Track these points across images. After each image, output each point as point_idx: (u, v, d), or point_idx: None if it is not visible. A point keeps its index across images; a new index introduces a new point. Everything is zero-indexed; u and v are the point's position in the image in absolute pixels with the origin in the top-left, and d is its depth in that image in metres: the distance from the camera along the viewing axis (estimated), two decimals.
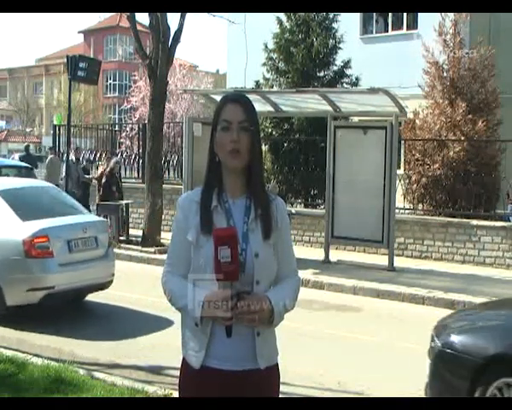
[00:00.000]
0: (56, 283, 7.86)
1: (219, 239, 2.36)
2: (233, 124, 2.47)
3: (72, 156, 15.86)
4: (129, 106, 30.82)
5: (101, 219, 9.86)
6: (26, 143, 20.79)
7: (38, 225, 7.87)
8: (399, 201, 13.48)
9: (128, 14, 13.82)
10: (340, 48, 16.72)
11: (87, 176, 16.31)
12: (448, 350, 4.85)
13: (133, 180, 18.20)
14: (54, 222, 8.16)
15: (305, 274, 10.54)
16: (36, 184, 9.94)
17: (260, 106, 12.33)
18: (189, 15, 14.00)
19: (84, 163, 17.72)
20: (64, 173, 15.05)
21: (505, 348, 4.69)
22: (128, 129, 24.30)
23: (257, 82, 17.00)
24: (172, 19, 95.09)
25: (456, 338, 4.91)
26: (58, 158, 17.51)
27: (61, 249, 7.94)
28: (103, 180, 14.48)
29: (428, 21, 16.25)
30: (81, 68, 13.98)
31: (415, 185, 14.28)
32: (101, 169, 15.40)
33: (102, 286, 8.66)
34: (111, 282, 8.73)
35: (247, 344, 2.46)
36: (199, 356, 2.47)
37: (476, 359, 4.69)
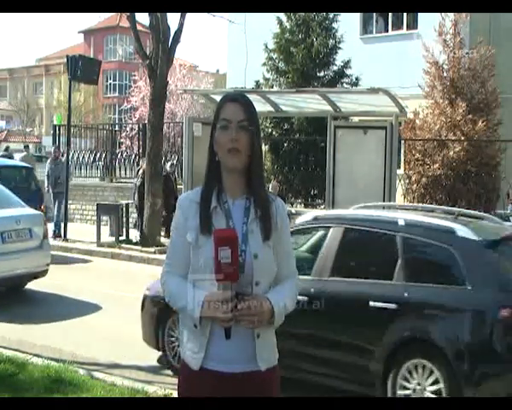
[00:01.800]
0: None
1: (220, 240, 2.36)
2: (232, 123, 2.47)
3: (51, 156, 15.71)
4: (129, 106, 30.81)
5: (37, 212, 10.12)
6: (6, 145, 20.86)
7: None
8: (399, 201, 13.48)
9: (128, 14, 13.83)
10: (340, 48, 16.74)
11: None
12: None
13: (133, 180, 18.19)
14: None
15: None
16: None
17: (260, 106, 12.33)
18: (189, 15, 14.01)
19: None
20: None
21: None
22: (128, 129, 24.29)
23: (257, 82, 17.01)
24: (172, 19, 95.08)
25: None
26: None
27: None
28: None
29: (428, 21, 16.24)
30: (81, 68, 13.99)
31: (415, 185, 14.28)
32: (141, 172, 14.36)
33: (37, 275, 9.29)
34: (46, 271, 9.35)
35: (247, 346, 2.46)
36: (198, 358, 2.47)
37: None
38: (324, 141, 12.95)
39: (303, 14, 16.60)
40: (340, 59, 16.81)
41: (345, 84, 16.73)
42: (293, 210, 13.77)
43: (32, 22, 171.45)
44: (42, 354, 6.55)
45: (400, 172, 14.09)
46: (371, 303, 5.37)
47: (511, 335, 4.97)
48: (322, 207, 14.17)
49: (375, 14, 21.74)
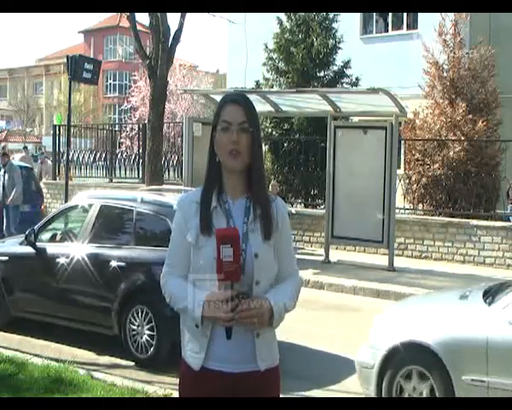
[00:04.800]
0: None
1: (222, 238, 2.36)
2: (233, 125, 2.47)
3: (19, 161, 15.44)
4: (129, 106, 30.83)
5: None
6: (3, 144, 20.86)
7: None
8: (399, 201, 13.48)
9: (128, 14, 13.83)
10: (340, 48, 16.71)
11: None
12: None
13: (133, 180, 18.20)
14: None
15: (305, 274, 10.54)
16: None
17: (260, 106, 12.33)
18: (189, 15, 14.01)
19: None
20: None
21: None
22: (128, 129, 24.30)
23: (257, 82, 17.00)
24: (172, 19, 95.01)
25: None
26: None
27: None
28: None
29: (428, 21, 16.24)
30: (81, 68, 13.97)
31: (415, 185, 14.27)
32: None
33: None
34: None
35: (247, 346, 2.46)
36: (198, 358, 2.47)
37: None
38: (324, 141, 12.95)
39: (303, 14, 16.58)
40: (340, 59, 16.79)
41: (345, 85, 16.71)
42: (293, 210, 13.77)
43: (32, 22, 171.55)
44: (42, 354, 6.56)
45: (400, 172, 14.08)
46: (111, 263, 6.85)
47: None
48: (323, 207, 14.18)
49: (375, 14, 21.74)
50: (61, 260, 7.23)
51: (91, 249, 7.11)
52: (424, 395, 4.99)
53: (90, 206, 7.45)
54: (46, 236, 7.82)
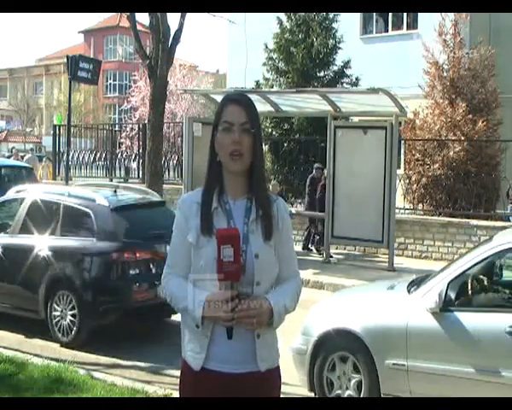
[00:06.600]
0: None
1: (222, 238, 2.36)
2: (235, 125, 2.46)
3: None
4: (129, 106, 30.79)
5: None
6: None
7: None
8: (399, 201, 13.48)
9: (128, 14, 13.82)
10: (340, 48, 16.73)
11: None
12: None
13: (133, 180, 18.19)
14: None
15: (305, 274, 10.53)
16: None
17: (260, 106, 12.32)
18: (189, 15, 13.99)
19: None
20: None
21: None
22: (128, 129, 24.28)
23: (257, 82, 17.01)
24: (172, 19, 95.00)
25: None
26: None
27: None
28: (319, 194, 12.78)
29: (428, 21, 16.24)
30: (81, 68, 14.00)
31: (415, 185, 14.27)
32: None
33: None
34: None
35: (247, 346, 2.46)
36: (199, 358, 2.46)
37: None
38: (324, 141, 12.95)
39: (303, 14, 16.59)
40: (340, 59, 16.81)
41: (345, 85, 16.72)
42: (293, 210, 13.77)
43: (32, 22, 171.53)
44: (42, 354, 6.56)
45: (400, 172, 14.08)
46: (39, 252, 7.43)
47: (119, 270, 7.14)
48: None
49: (375, 14, 21.74)
50: None
51: (21, 240, 7.80)
52: (351, 381, 5.28)
53: (23, 199, 8.07)
54: None
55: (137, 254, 7.22)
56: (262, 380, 2.48)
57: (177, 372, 2.65)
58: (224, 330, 2.42)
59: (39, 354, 6.49)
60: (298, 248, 13.07)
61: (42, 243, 7.53)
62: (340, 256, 12.83)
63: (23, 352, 6.58)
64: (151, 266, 7.36)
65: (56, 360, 6.23)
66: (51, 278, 7.36)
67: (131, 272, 7.19)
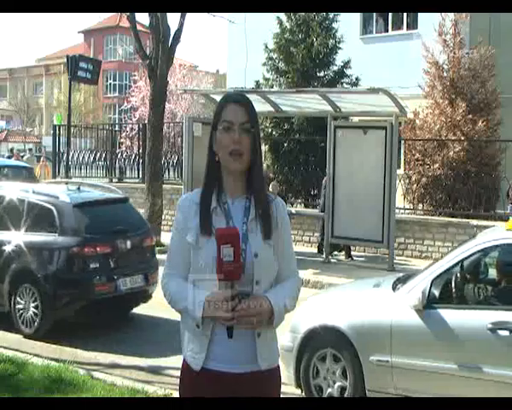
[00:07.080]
0: None
1: (222, 238, 2.36)
2: (235, 125, 2.46)
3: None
4: (129, 106, 30.80)
5: None
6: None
7: None
8: (399, 201, 13.47)
9: (128, 14, 13.82)
10: (340, 48, 16.70)
11: None
12: None
13: (133, 180, 18.20)
14: None
15: (305, 274, 10.54)
16: None
17: (260, 106, 12.32)
18: (189, 15, 14.00)
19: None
20: None
21: None
22: (128, 129, 24.29)
23: (257, 82, 16.99)
24: (172, 19, 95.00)
25: None
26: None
27: None
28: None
29: (428, 21, 16.23)
30: (81, 68, 14.02)
31: (415, 185, 14.27)
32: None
33: None
34: None
35: (248, 346, 2.46)
36: (199, 358, 2.46)
37: None
38: (324, 141, 12.94)
39: (303, 14, 16.56)
40: (340, 59, 16.78)
41: (345, 85, 16.70)
42: (293, 210, 13.77)
43: (32, 22, 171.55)
44: (42, 354, 6.56)
45: (400, 172, 14.08)
46: (4, 247, 7.71)
47: (80, 264, 7.41)
48: None
49: (375, 14, 21.73)
50: None
51: None
52: (337, 376, 5.33)
53: (1, 197, 8.26)
54: None
55: (98, 249, 7.51)
56: (262, 379, 2.48)
57: (177, 372, 2.65)
58: (225, 329, 2.42)
59: (39, 354, 6.49)
60: (298, 248, 13.07)
61: (7, 239, 7.80)
62: (360, 259, 12.82)
63: (23, 352, 6.59)
64: (111, 260, 7.65)
65: (56, 360, 6.23)
66: (15, 272, 7.66)
67: (92, 265, 7.47)
